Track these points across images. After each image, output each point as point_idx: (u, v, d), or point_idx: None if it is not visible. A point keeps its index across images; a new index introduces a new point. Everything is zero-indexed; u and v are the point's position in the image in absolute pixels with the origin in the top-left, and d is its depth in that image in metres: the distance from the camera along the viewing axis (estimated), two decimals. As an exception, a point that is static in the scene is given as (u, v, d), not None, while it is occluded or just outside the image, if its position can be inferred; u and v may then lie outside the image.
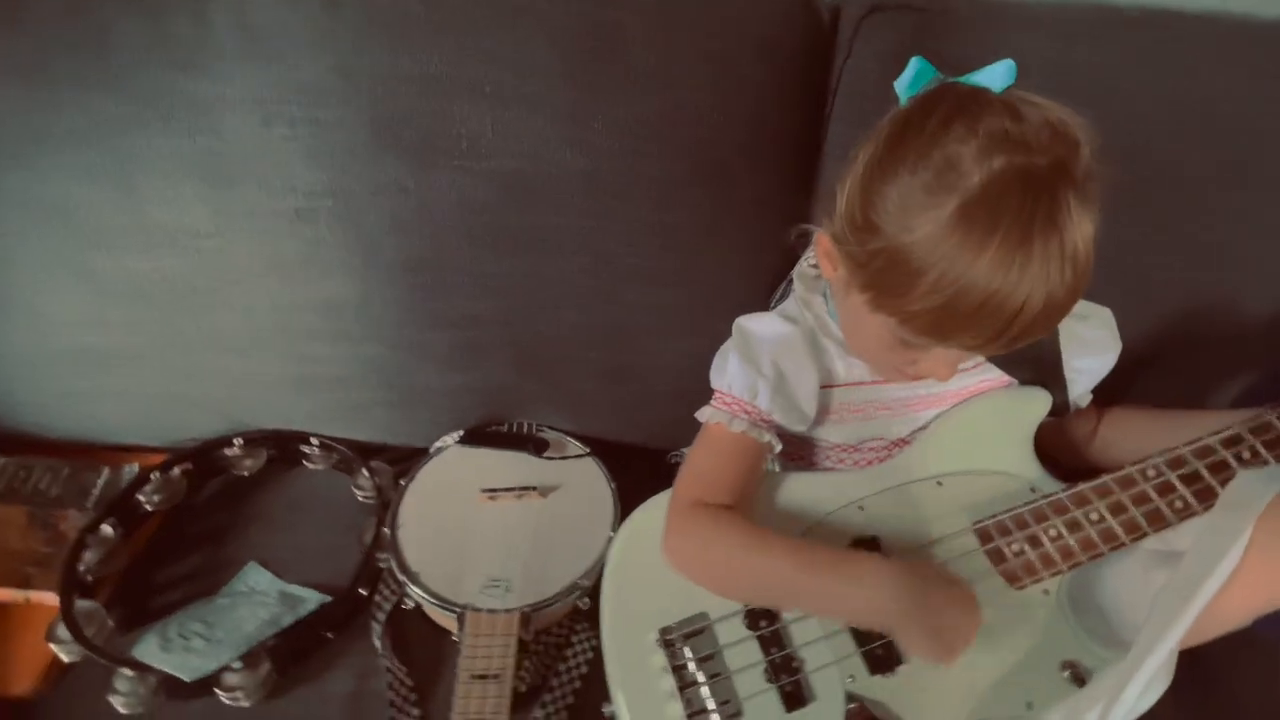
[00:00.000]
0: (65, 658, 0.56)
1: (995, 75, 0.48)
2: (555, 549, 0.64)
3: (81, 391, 0.66)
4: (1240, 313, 0.71)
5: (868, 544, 0.58)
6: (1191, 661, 0.46)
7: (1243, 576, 0.47)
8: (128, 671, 0.54)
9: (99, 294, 0.61)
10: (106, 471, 0.70)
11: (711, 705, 0.52)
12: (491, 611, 0.58)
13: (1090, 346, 0.63)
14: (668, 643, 0.55)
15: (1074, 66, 0.63)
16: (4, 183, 0.57)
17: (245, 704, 0.55)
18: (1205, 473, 0.56)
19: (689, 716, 0.51)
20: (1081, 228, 0.44)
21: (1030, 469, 0.61)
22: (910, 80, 0.50)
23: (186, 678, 0.54)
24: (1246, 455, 0.56)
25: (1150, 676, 0.45)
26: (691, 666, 0.53)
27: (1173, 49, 0.64)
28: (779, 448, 0.62)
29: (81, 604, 0.57)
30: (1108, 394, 0.67)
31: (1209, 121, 0.64)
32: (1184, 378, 0.74)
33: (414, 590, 0.60)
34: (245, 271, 0.60)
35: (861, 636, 0.54)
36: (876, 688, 0.52)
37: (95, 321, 0.62)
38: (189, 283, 0.60)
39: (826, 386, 0.62)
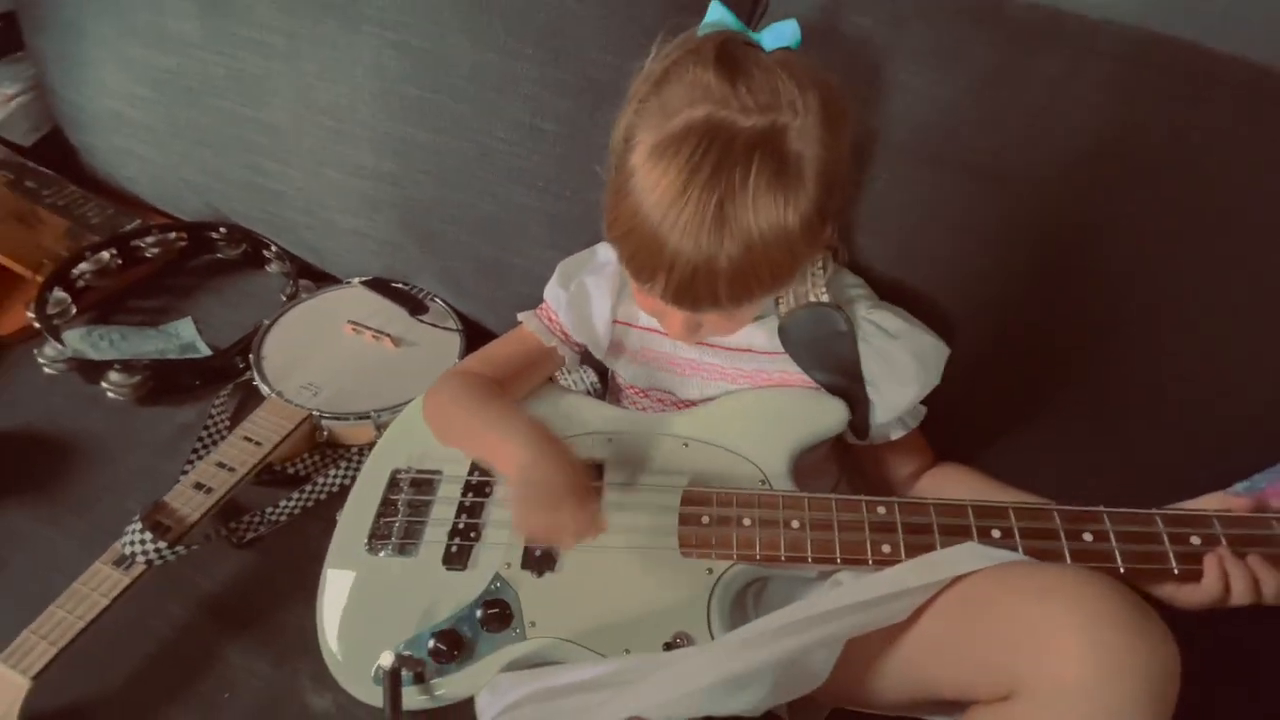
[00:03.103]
0: (36, 325, 0.78)
1: (775, 34, 0.47)
2: (374, 385, 0.74)
3: (120, 148, 0.88)
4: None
5: (591, 467, 0.61)
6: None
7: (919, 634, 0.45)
8: (57, 344, 0.74)
9: (131, 74, 0.80)
10: (137, 221, 0.92)
11: (392, 534, 0.60)
12: (287, 401, 0.71)
13: (894, 370, 0.58)
14: (395, 480, 0.63)
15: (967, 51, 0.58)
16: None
17: (115, 398, 0.73)
18: (936, 530, 0.52)
19: (371, 535, 0.60)
20: (757, 202, 0.43)
21: (774, 465, 0.59)
22: (706, 22, 0.50)
23: (82, 355, 0.72)
24: (997, 534, 0.51)
25: (739, 675, 0.45)
26: (399, 503, 0.61)
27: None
28: (566, 358, 0.66)
29: (57, 293, 0.79)
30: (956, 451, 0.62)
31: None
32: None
33: (255, 369, 0.74)
34: (217, 81, 0.76)
35: (531, 536, 0.58)
36: (523, 580, 0.56)
37: (128, 95, 0.82)
38: (178, 83, 0.77)
39: (623, 323, 0.65)
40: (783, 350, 0.61)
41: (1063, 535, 0.50)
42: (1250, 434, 0.56)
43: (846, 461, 0.69)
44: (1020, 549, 0.50)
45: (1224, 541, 0.48)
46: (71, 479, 0.67)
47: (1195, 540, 0.48)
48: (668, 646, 0.51)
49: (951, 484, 0.63)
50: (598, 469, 0.61)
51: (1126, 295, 0.58)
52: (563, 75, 0.66)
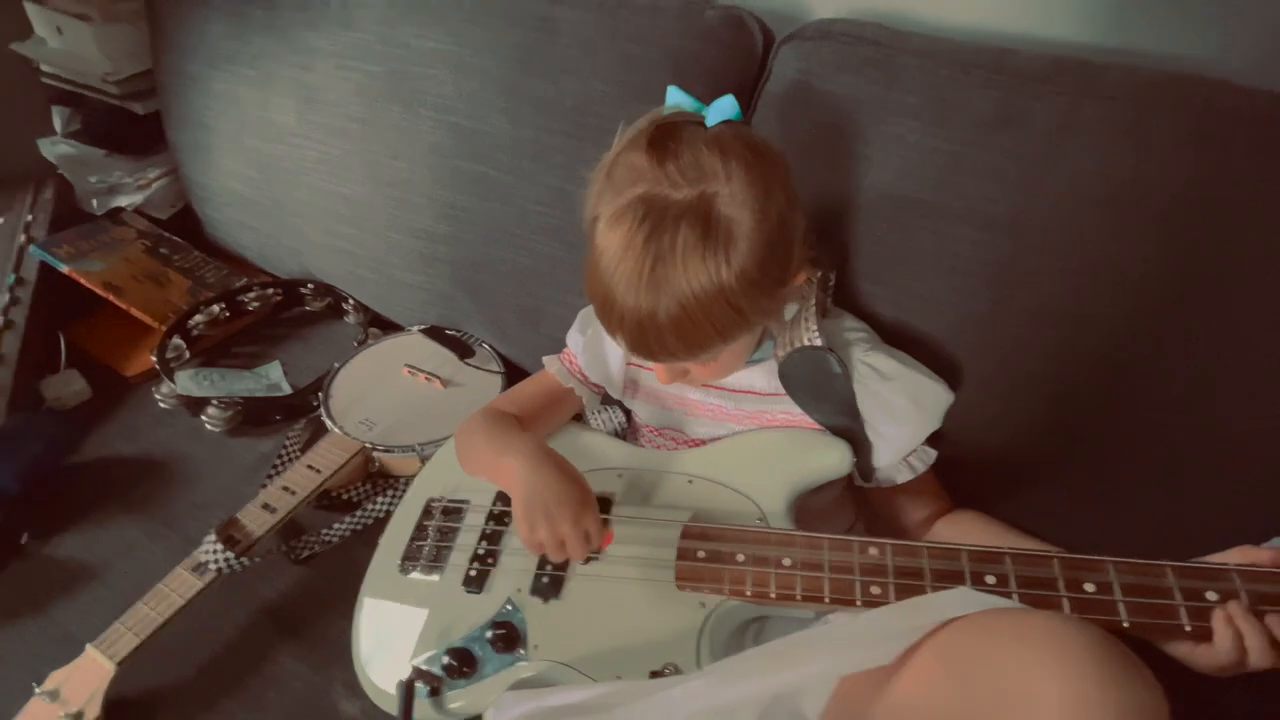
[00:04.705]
0: (156, 367, 0.92)
1: (717, 110, 0.52)
2: (421, 422, 0.82)
3: (234, 220, 1.04)
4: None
5: (600, 501, 0.65)
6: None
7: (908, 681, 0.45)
8: (170, 383, 0.87)
9: (244, 159, 0.96)
10: (244, 280, 1.08)
11: (421, 557, 0.66)
12: (345, 434, 0.80)
13: (892, 411, 0.59)
14: (429, 508, 0.70)
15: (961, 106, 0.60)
16: (214, 78, 0.95)
17: (212, 429, 0.85)
18: (928, 574, 0.51)
19: (404, 557, 0.66)
20: (687, 262, 0.47)
21: (772, 503, 0.61)
22: (668, 105, 0.55)
23: (188, 393, 0.85)
24: (991, 580, 0.50)
25: (720, 707, 0.47)
26: (430, 529, 0.68)
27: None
28: (585, 399, 0.72)
29: (175, 340, 0.93)
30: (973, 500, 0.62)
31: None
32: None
33: (323, 406, 0.84)
34: (308, 162, 0.90)
35: (542, 562, 0.62)
36: (530, 605, 0.61)
37: (241, 176, 0.98)
38: (279, 165, 0.91)
39: (635, 365, 0.70)
40: (784, 392, 0.63)
41: (1062, 585, 0.48)
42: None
43: (862, 505, 0.69)
44: (1015, 598, 0.48)
45: (1244, 598, 0.44)
46: (170, 496, 0.79)
47: (1211, 596, 0.45)
48: (654, 675, 0.53)
49: (964, 531, 0.62)
50: (607, 502, 0.65)
51: (1138, 339, 0.56)
52: (587, 147, 0.73)
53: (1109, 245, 0.56)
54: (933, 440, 0.65)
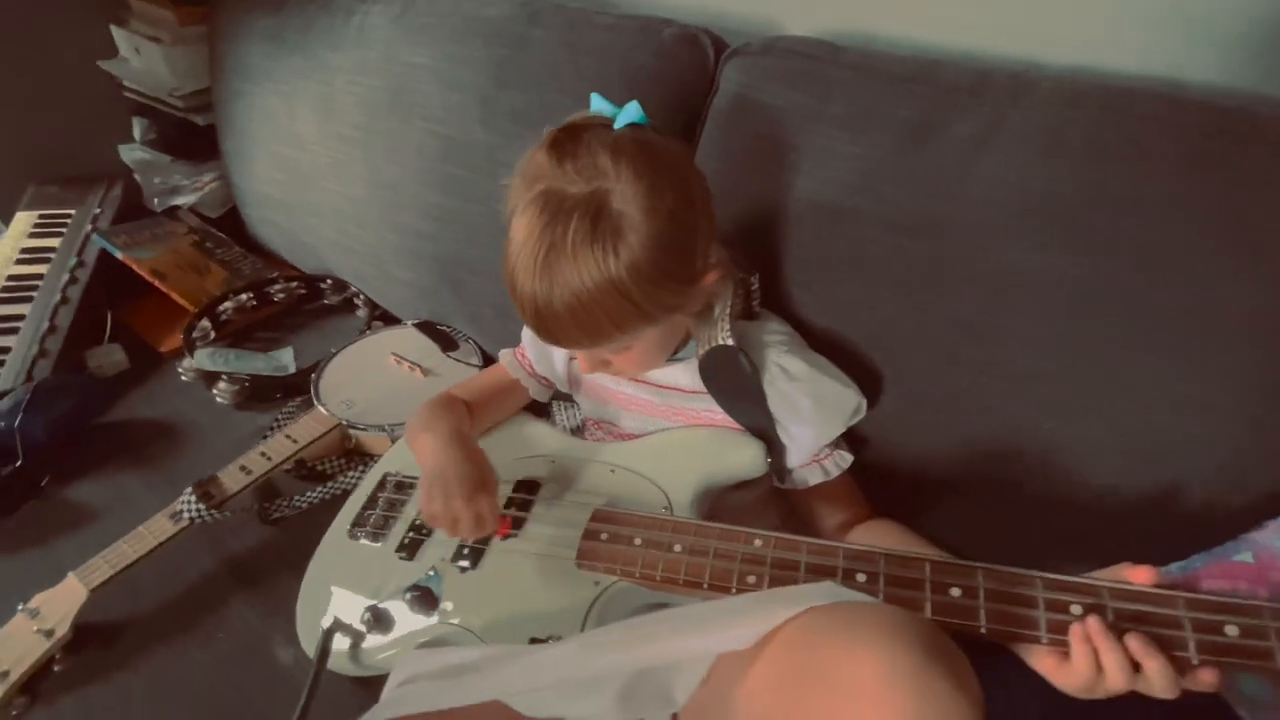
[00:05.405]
0: (183, 343, 1.04)
1: (625, 114, 0.56)
2: (398, 405, 0.88)
3: (266, 219, 1.15)
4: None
5: (529, 484, 0.68)
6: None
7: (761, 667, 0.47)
8: (190, 359, 0.98)
9: (273, 164, 1.07)
10: (274, 274, 1.19)
11: (368, 524, 0.71)
12: (326, 410, 0.87)
13: (798, 412, 0.61)
14: (384, 482, 0.76)
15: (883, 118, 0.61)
16: (255, 93, 1.07)
17: (221, 402, 0.95)
18: (803, 568, 0.52)
19: (354, 524, 0.72)
20: (577, 253, 0.51)
21: (680, 494, 0.63)
22: (592, 110, 0.59)
23: (203, 368, 0.96)
24: (862, 578, 0.50)
25: (580, 678, 0.49)
26: (381, 500, 0.74)
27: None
28: (532, 391, 0.76)
29: (203, 323, 1.04)
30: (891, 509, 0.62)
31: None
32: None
33: (313, 386, 0.92)
34: (321, 166, 0.99)
35: (470, 535, 0.66)
36: (450, 573, 0.65)
37: (271, 180, 1.09)
38: (300, 169, 1.02)
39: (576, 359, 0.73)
40: (705, 391, 0.65)
41: (929, 587, 0.47)
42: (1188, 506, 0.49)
43: (785, 507, 0.69)
44: (882, 596, 0.48)
45: (1110, 615, 0.43)
46: (174, 457, 0.88)
47: (1076, 610, 0.44)
48: (534, 641, 0.56)
49: (876, 539, 0.61)
50: (535, 485, 0.68)
51: (1049, 348, 0.55)
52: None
53: (1021, 254, 0.55)
54: (855, 446, 0.65)
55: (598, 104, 0.59)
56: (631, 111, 0.55)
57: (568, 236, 0.51)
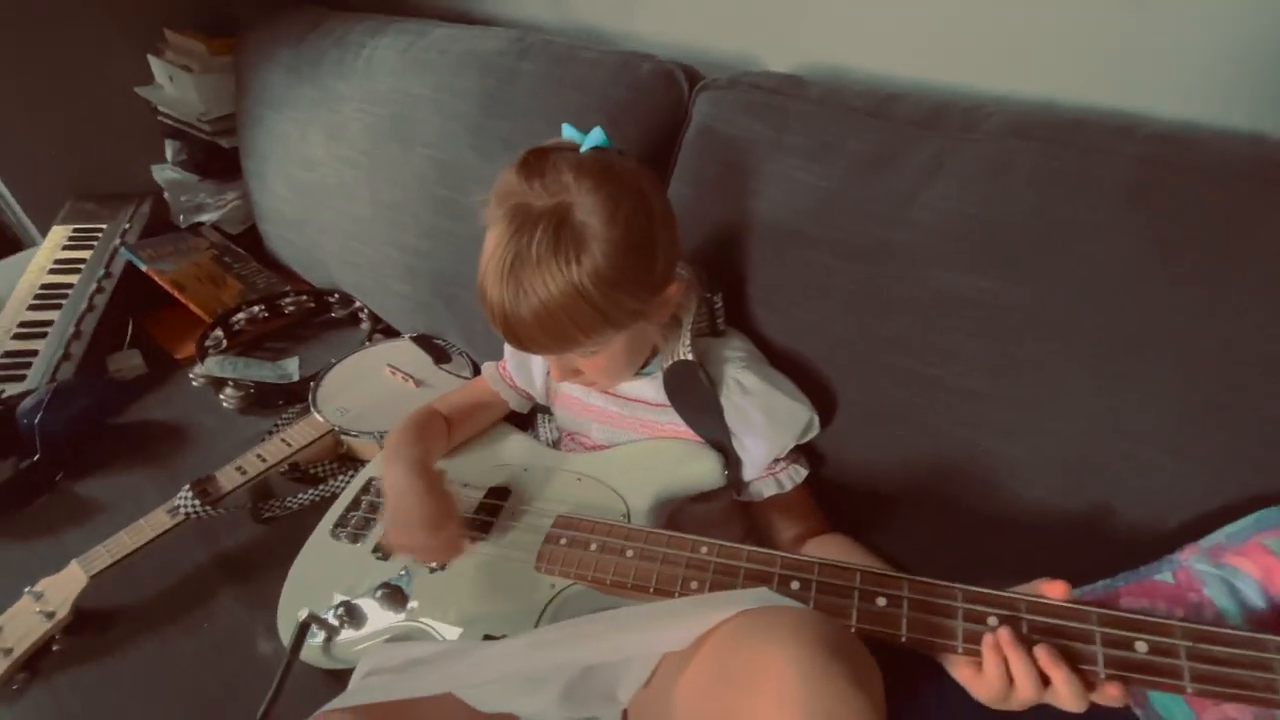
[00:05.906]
0: (195, 350, 1.10)
1: (591, 138, 0.60)
2: (389, 414, 0.92)
3: (281, 236, 1.22)
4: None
5: (500, 490, 0.72)
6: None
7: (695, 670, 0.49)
8: (201, 365, 1.04)
9: (287, 184, 1.14)
10: (287, 287, 1.25)
11: (349, 525, 0.75)
12: (320, 416, 0.91)
13: (751, 425, 0.63)
14: (368, 486, 0.80)
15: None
16: (273, 119, 1.14)
17: (227, 406, 1.00)
18: (741, 574, 0.54)
19: (336, 524, 0.76)
20: (541, 262, 0.54)
21: (638, 503, 0.66)
22: (563, 137, 0.63)
23: (211, 374, 1.01)
24: (796, 585, 0.52)
25: (526, 673, 0.51)
26: (364, 503, 0.78)
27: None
28: (512, 403, 0.79)
29: (216, 332, 1.11)
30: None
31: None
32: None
33: (311, 393, 0.97)
34: (329, 186, 1.05)
35: (438, 536, 0.69)
36: (420, 574, 0.68)
37: (284, 198, 1.16)
38: (311, 189, 1.08)
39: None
40: (670, 404, 0.68)
41: (857, 595, 0.49)
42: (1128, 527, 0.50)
43: (749, 521, 0.71)
44: (812, 603, 0.50)
45: (1024, 627, 0.44)
46: (180, 457, 0.94)
47: (992, 621, 0.45)
48: (487, 638, 0.58)
49: (825, 550, 0.63)
50: (505, 491, 0.71)
51: (988, 369, 0.56)
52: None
53: (963, 278, 0.58)
54: (813, 461, 0.67)
55: (568, 132, 0.63)
56: (595, 136, 0.59)
57: (533, 246, 0.55)
